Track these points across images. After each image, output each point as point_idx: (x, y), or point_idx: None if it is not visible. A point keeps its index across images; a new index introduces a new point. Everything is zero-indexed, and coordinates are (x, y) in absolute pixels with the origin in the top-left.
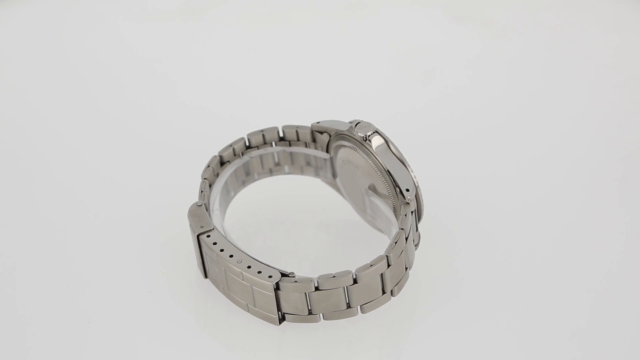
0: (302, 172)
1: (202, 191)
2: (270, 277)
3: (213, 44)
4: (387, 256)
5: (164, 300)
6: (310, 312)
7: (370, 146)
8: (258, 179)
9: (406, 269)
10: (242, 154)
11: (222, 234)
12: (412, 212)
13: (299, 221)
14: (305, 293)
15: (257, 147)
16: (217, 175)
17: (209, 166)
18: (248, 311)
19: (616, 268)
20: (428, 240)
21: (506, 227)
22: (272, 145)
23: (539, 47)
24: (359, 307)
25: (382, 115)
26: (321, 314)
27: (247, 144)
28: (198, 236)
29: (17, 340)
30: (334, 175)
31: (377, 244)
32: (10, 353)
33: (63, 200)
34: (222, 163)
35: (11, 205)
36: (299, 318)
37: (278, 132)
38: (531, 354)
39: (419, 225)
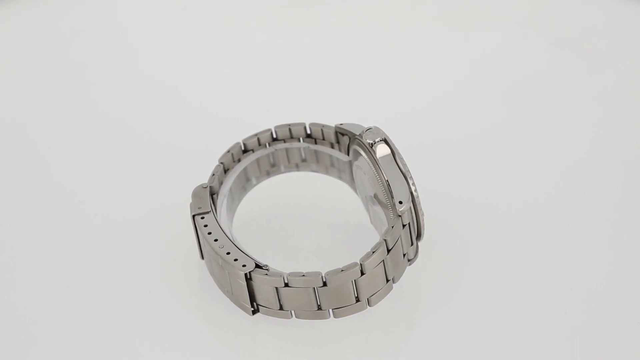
0: (327, 172)
1: (213, 174)
2: (244, 266)
3: (225, 42)
4: (361, 264)
5: (164, 300)
6: (281, 308)
7: (375, 153)
8: (285, 172)
9: (388, 280)
10: (268, 145)
11: (215, 218)
12: (405, 225)
13: (325, 221)
14: (276, 288)
15: (284, 140)
16: (239, 161)
17: (228, 151)
18: (228, 297)
19: (616, 268)
20: (428, 240)
21: (507, 227)
22: (299, 141)
23: (540, 49)
24: (330, 311)
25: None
26: (292, 311)
27: (274, 136)
28: (193, 217)
29: (17, 340)
30: (353, 180)
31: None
32: (10, 353)
33: (63, 200)
34: (245, 151)
35: (11, 204)
36: (270, 312)
37: (305, 129)
38: (531, 354)
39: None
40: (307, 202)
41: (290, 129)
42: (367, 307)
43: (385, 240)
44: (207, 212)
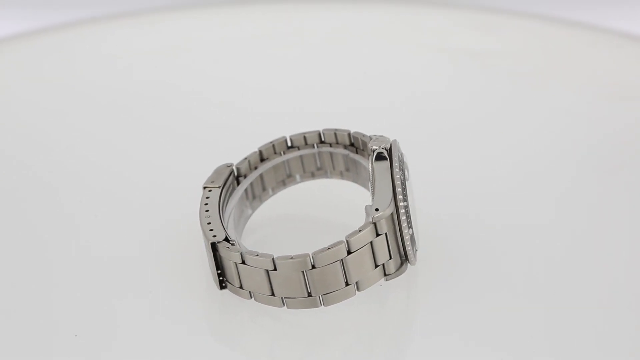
0: (364, 185)
1: (246, 158)
2: (214, 236)
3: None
4: (311, 256)
5: (164, 299)
6: (241, 286)
7: (372, 160)
8: (331, 177)
9: (348, 284)
10: (315, 146)
11: (221, 194)
12: (380, 234)
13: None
14: (235, 263)
15: (330, 144)
16: (282, 154)
17: (271, 142)
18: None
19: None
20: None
21: (504, 227)
22: (344, 148)
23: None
24: (283, 300)
25: None
26: (251, 292)
27: (322, 138)
28: (204, 188)
29: (16, 343)
30: None
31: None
32: (11, 352)
33: (64, 199)
34: (291, 147)
35: (13, 203)
36: (233, 289)
37: (349, 136)
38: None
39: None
40: (343, 210)
41: (335, 134)
42: (320, 305)
43: (347, 240)
44: (217, 187)
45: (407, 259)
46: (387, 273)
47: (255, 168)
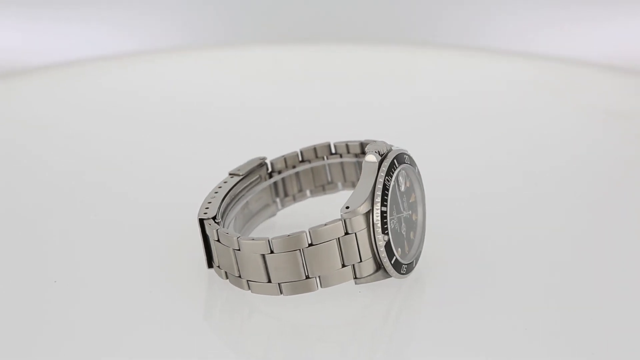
0: None
1: (283, 156)
2: (205, 213)
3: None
4: (270, 240)
5: (167, 297)
6: (219, 265)
7: (364, 159)
8: None
9: (309, 277)
10: (357, 156)
11: (238, 182)
12: (350, 233)
13: None
14: (214, 241)
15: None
16: (324, 159)
17: (313, 145)
18: None
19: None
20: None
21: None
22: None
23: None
24: (248, 282)
25: None
26: (225, 272)
27: (363, 149)
28: (229, 174)
29: (18, 342)
30: None
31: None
32: (13, 355)
33: (65, 199)
34: (334, 153)
35: (15, 201)
36: (216, 269)
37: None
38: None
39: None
40: None
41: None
42: (279, 294)
43: (309, 231)
44: (239, 176)
45: (383, 266)
46: (357, 276)
47: (293, 167)
